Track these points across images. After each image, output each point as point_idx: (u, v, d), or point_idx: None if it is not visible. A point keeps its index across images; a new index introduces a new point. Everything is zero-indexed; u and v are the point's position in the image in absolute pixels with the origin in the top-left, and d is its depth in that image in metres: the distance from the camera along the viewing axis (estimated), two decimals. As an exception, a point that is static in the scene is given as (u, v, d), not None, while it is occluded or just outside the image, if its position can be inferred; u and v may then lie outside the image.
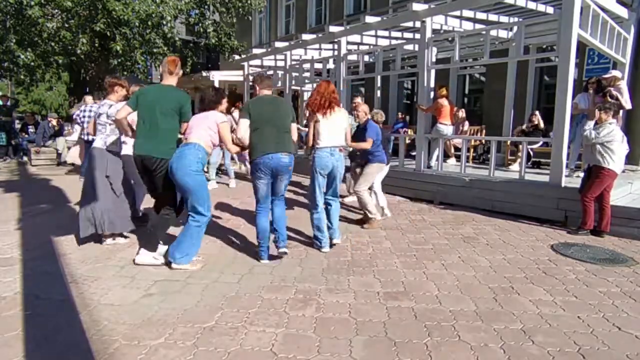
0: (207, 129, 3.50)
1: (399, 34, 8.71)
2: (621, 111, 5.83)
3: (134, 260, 3.52)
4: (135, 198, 4.45)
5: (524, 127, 7.31)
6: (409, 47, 7.92)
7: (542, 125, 7.13)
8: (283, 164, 3.58)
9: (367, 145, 4.75)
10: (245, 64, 11.53)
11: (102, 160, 3.92)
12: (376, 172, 4.97)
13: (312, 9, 14.39)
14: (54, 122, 11.03)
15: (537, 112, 7.35)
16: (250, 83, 3.96)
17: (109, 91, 4.15)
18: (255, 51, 11.95)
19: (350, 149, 5.05)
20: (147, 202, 4.67)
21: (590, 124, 4.63)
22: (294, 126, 3.77)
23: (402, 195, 6.59)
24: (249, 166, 7.55)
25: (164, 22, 10.36)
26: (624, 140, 4.64)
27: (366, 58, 8.82)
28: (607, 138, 4.48)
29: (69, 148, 10.21)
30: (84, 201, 3.91)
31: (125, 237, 4.10)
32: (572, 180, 5.45)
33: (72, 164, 9.16)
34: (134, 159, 3.54)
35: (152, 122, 3.44)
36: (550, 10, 6.32)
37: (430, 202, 6.20)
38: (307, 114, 7.80)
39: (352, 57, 8.83)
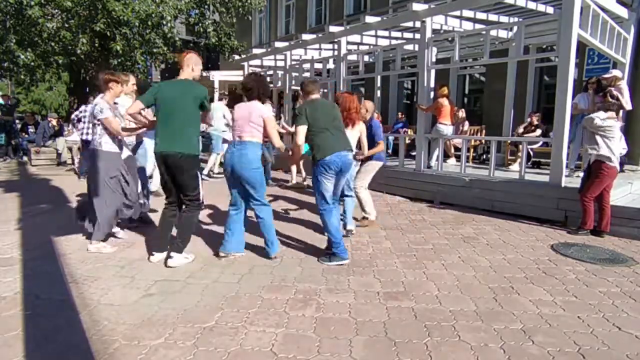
0: (254, 125, 3.51)
1: (399, 34, 8.71)
2: (621, 111, 5.83)
3: (165, 263, 3.47)
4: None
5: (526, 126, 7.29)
6: (409, 47, 7.92)
7: (540, 126, 7.14)
8: (349, 162, 3.73)
9: (381, 147, 4.71)
10: (245, 64, 11.54)
11: (118, 162, 3.91)
12: (375, 170, 4.84)
13: (312, 9, 14.40)
14: (54, 122, 11.04)
15: (534, 115, 7.35)
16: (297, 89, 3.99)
17: (104, 88, 3.87)
18: (255, 51, 11.96)
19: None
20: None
21: (599, 115, 4.60)
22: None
23: (402, 195, 6.59)
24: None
25: (164, 22, 10.35)
26: (622, 139, 4.65)
27: (366, 58, 8.82)
28: (609, 129, 4.47)
29: (69, 149, 10.21)
30: (106, 202, 3.83)
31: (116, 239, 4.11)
32: (572, 180, 5.45)
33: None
34: (155, 157, 3.46)
35: (177, 118, 3.37)
36: (550, 10, 6.33)
37: (430, 202, 6.20)
38: None
39: (352, 57, 8.82)
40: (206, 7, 12.09)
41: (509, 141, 7.25)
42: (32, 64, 10.36)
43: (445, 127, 6.75)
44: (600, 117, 4.51)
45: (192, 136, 3.46)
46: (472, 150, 8.20)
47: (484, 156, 8.24)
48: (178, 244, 3.50)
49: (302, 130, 3.58)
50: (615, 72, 5.96)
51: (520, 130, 7.30)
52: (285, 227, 4.67)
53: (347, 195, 4.45)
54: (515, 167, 6.76)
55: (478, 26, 7.24)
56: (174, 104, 3.38)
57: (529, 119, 7.37)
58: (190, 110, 3.43)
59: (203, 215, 5.14)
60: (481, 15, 6.99)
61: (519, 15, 7.20)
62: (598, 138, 4.51)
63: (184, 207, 3.57)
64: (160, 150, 3.39)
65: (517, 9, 6.58)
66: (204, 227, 4.67)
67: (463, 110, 8.67)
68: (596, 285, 3.24)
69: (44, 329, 2.46)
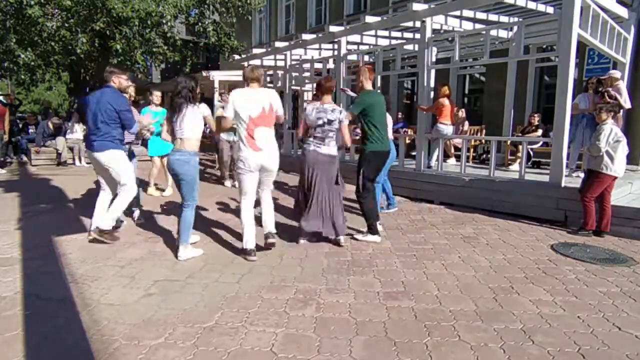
0: None
1: (399, 34, 8.70)
2: (621, 111, 5.83)
3: (356, 238, 4.27)
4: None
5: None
6: (409, 47, 7.91)
7: (540, 127, 7.14)
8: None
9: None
10: (245, 64, 11.51)
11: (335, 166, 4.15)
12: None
13: (312, 9, 14.39)
14: (51, 124, 10.96)
15: (535, 114, 7.35)
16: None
17: (328, 92, 4.07)
18: (255, 51, 11.95)
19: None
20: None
21: (599, 136, 4.59)
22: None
23: (402, 195, 6.58)
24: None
25: (164, 21, 10.36)
26: (624, 141, 4.64)
27: (366, 58, 8.82)
28: (614, 138, 4.46)
29: (70, 149, 10.19)
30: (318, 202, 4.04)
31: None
32: (572, 180, 5.45)
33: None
34: (377, 155, 4.19)
35: (384, 123, 4.22)
36: (550, 10, 6.32)
37: (430, 202, 6.20)
38: None
39: (352, 57, 8.82)
40: (206, 6, 12.09)
41: (509, 141, 7.25)
42: (32, 63, 10.37)
43: (446, 127, 6.74)
44: (598, 140, 4.48)
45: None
46: (472, 150, 8.20)
47: (484, 156, 8.24)
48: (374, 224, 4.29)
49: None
50: (613, 73, 5.96)
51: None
52: (285, 228, 4.67)
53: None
54: (515, 167, 6.75)
55: (478, 26, 7.23)
56: (383, 112, 4.25)
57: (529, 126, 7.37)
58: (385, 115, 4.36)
59: (212, 215, 5.13)
60: (481, 15, 6.98)
61: (519, 15, 7.20)
62: (606, 158, 4.45)
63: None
64: (385, 149, 4.24)
65: (517, 9, 6.57)
66: (210, 227, 4.67)
67: (463, 110, 8.67)
68: (596, 285, 3.24)
69: (44, 328, 2.46)
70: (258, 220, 3.91)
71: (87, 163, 9.84)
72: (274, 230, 3.87)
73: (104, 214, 4.04)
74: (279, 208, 5.41)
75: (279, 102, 3.69)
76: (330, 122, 3.94)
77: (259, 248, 3.79)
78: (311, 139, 4.00)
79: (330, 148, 4.02)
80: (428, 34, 6.32)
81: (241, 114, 3.54)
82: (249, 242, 3.70)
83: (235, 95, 3.58)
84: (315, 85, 4.25)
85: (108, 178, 4.16)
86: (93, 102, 4.01)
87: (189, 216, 3.69)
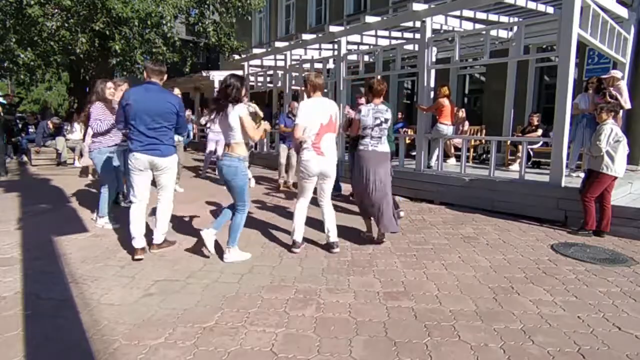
0: None
1: (399, 34, 8.70)
2: (621, 111, 5.83)
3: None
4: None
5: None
6: (409, 47, 7.91)
7: (540, 127, 7.14)
8: None
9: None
10: (245, 63, 11.53)
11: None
12: None
13: (312, 9, 14.40)
14: (51, 124, 10.95)
15: (535, 114, 7.35)
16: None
17: (380, 95, 4.12)
18: (255, 51, 11.95)
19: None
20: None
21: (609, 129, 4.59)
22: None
23: (402, 195, 6.59)
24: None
25: (164, 22, 10.35)
26: (625, 141, 4.64)
27: (366, 58, 8.81)
28: (615, 137, 4.46)
29: (72, 149, 10.19)
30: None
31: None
32: (572, 180, 5.45)
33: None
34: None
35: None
36: (550, 10, 6.33)
37: (430, 202, 6.20)
38: None
39: (352, 57, 8.82)
40: (206, 6, 12.09)
41: (509, 141, 7.25)
42: (32, 63, 10.35)
43: (446, 127, 6.74)
44: (599, 140, 4.48)
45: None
46: (472, 150, 8.20)
47: (484, 156, 8.24)
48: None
49: None
50: (614, 72, 5.96)
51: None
52: (285, 227, 4.67)
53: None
54: (515, 167, 6.75)
55: (478, 26, 7.23)
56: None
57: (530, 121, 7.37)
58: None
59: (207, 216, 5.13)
60: (481, 15, 6.98)
61: (519, 15, 7.20)
62: (607, 158, 4.46)
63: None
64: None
65: (517, 9, 6.57)
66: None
67: (463, 110, 8.66)
68: (596, 285, 3.24)
69: (44, 328, 2.46)
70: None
71: None
72: (337, 240, 3.98)
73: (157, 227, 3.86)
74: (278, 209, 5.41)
75: (339, 113, 3.97)
76: (386, 121, 4.09)
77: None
78: (367, 139, 4.08)
79: (385, 146, 4.16)
80: (428, 34, 6.32)
81: (314, 121, 3.76)
82: (297, 235, 3.92)
83: (309, 104, 3.81)
84: (367, 87, 4.26)
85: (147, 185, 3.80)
86: (149, 100, 3.71)
87: (239, 219, 3.67)
